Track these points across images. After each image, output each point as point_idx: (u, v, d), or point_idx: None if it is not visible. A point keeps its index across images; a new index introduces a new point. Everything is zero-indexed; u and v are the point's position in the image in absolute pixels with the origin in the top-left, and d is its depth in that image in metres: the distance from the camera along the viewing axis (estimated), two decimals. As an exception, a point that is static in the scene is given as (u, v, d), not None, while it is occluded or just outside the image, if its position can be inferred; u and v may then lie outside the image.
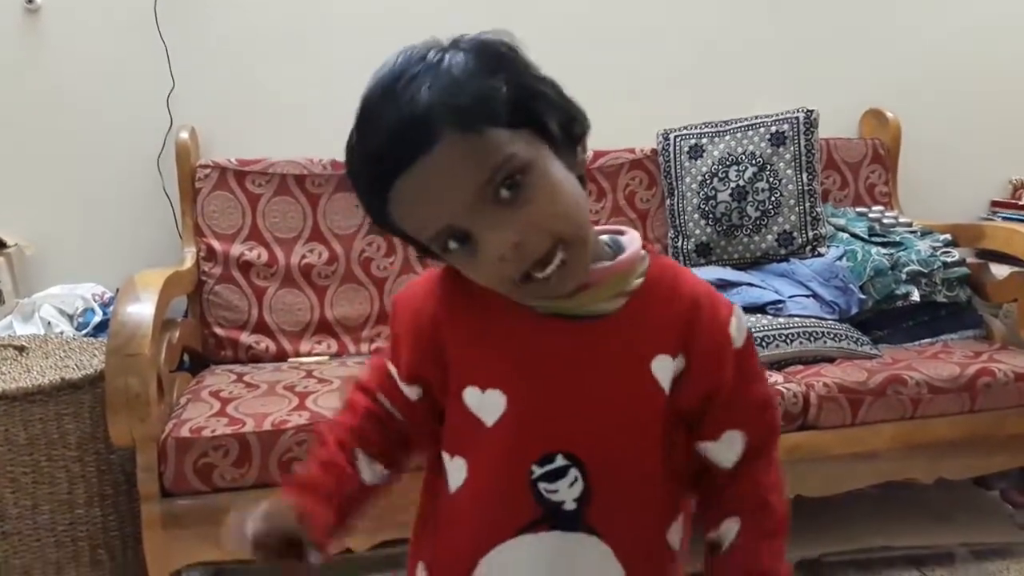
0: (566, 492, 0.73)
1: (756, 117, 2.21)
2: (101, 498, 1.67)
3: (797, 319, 1.90)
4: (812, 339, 1.86)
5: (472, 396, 0.75)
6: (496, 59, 0.67)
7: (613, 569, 0.75)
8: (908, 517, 1.99)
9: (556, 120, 0.69)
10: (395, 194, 0.66)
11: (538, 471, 0.73)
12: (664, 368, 0.74)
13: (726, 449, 0.78)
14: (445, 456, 0.78)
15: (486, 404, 0.74)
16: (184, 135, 2.09)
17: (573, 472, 0.73)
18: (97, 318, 1.99)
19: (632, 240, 0.77)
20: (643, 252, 0.77)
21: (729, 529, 0.79)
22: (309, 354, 2.04)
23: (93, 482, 1.66)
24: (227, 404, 1.64)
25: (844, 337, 1.90)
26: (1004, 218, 2.47)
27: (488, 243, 0.66)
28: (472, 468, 0.76)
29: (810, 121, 2.18)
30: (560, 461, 0.73)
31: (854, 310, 1.98)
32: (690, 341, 0.75)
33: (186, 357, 1.96)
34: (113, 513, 1.69)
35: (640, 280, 0.75)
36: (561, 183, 0.68)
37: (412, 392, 0.79)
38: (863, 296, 2.00)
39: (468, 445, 0.76)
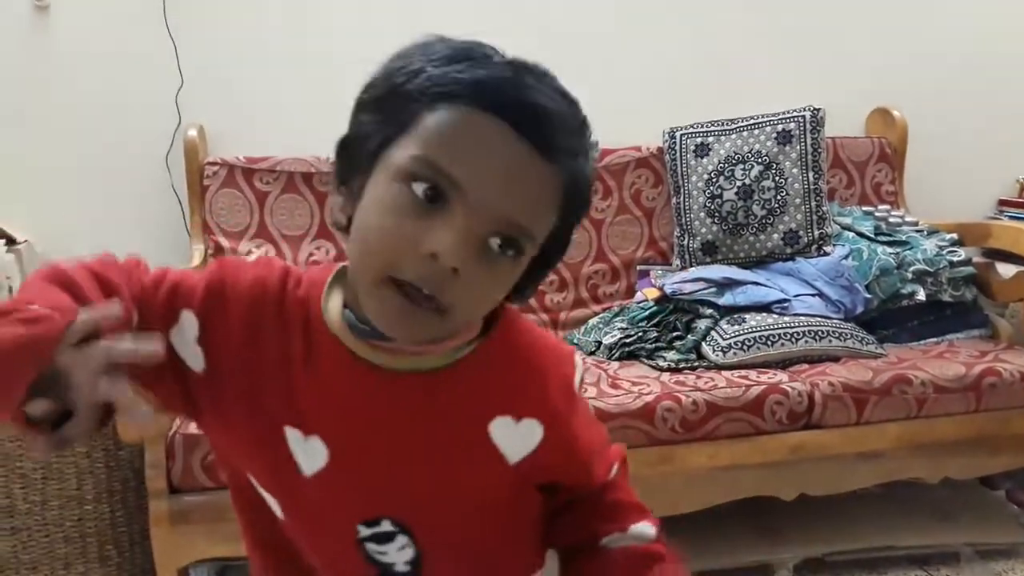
0: (396, 555, 0.69)
1: (762, 116, 2.21)
2: (109, 494, 1.68)
3: (803, 318, 1.90)
4: (817, 338, 1.86)
5: (294, 438, 0.66)
6: (590, 194, 0.65)
7: None
8: (913, 517, 1.98)
9: (538, 274, 0.66)
10: (480, 119, 0.57)
11: (364, 532, 0.68)
12: (505, 432, 0.68)
13: (630, 538, 0.75)
14: (256, 484, 0.70)
15: (307, 450, 0.66)
16: (192, 133, 2.10)
17: (401, 538, 0.68)
18: (105, 315, 2.00)
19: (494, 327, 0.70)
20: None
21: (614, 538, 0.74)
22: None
23: (102, 478, 1.67)
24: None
25: (849, 336, 1.89)
26: (1011, 217, 2.45)
27: (448, 239, 0.57)
28: (290, 514, 0.70)
29: (816, 120, 2.18)
30: (387, 526, 0.68)
31: (859, 309, 1.97)
32: (551, 409, 0.70)
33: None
34: (121, 509, 1.70)
35: (475, 344, 0.68)
36: (504, 290, 0.64)
37: (194, 355, 0.65)
38: (868, 295, 1.99)
39: (283, 488, 0.69)
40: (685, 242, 2.22)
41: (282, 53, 2.21)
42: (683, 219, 2.22)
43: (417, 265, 0.57)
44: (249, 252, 2.05)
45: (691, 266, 2.17)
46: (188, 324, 0.65)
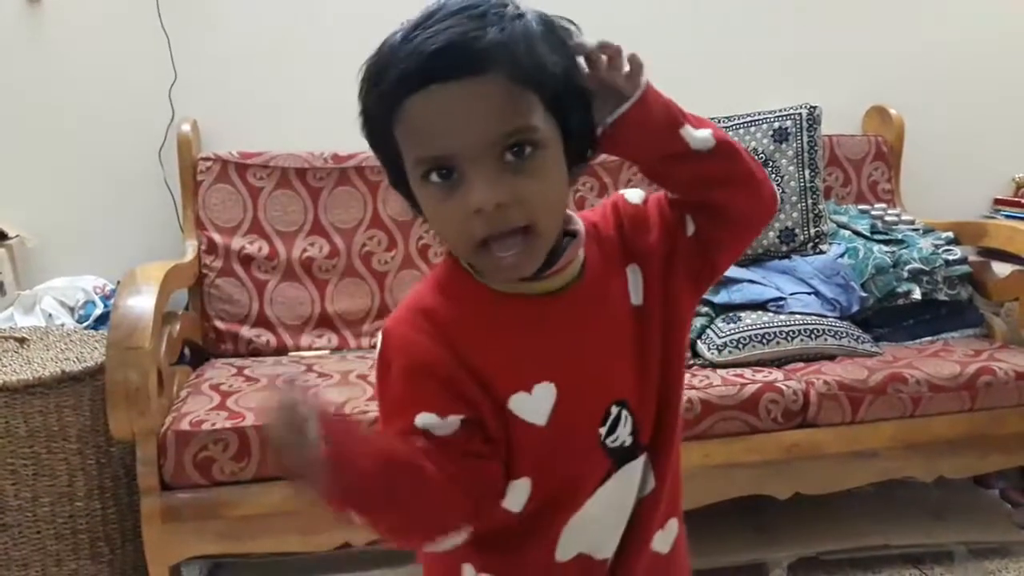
0: (623, 432, 0.77)
1: (759, 113, 2.21)
2: (101, 491, 1.67)
3: (798, 316, 1.90)
4: (813, 337, 1.86)
5: (519, 402, 0.74)
6: (560, 43, 0.70)
7: (649, 471, 0.80)
8: (907, 516, 1.99)
9: (578, 128, 0.71)
10: (418, 100, 0.65)
11: (603, 431, 0.76)
12: (634, 288, 0.79)
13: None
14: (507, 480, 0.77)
15: (534, 404, 0.74)
16: (186, 128, 2.09)
17: (624, 413, 0.77)
18: (98, 311, 1.99)
19: (577, 222, 0.78)
20: (581, 232, 0.77)
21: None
22: (309, 348, 2.04)
23: (93, 475, 1.66)
24: (227, 398, 1.64)
25: (845, 335, 1.90)
26: (1007, 216, 2.46)
27: (475, 191, 0.66)
28: (537, 477, 0.76)
29: (813, 117, 2.17)
30: (614, 411, 0.77)
31: (855, 308, 1.98)
32: (632, 251, 0.79)
33: (187, 350, 1.96)
34: (113, 506, 1.69)
35: (583, 252, 0.77)
36: (558, 177, 0.70)
37: (449, 425, 0.72)
38: (864, 294, 2.00)
39: (528, 459, 0.75)
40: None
41: (276, 48, 2.21)
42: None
43: (479, 224, 0.67)
44: (242, 248, 2.04)
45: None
46: (433, 421, 0.71)
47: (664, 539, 0.84)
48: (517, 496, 0.76)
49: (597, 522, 0.79)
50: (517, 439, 0.74)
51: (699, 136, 0.75)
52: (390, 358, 0.74)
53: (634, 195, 0.82)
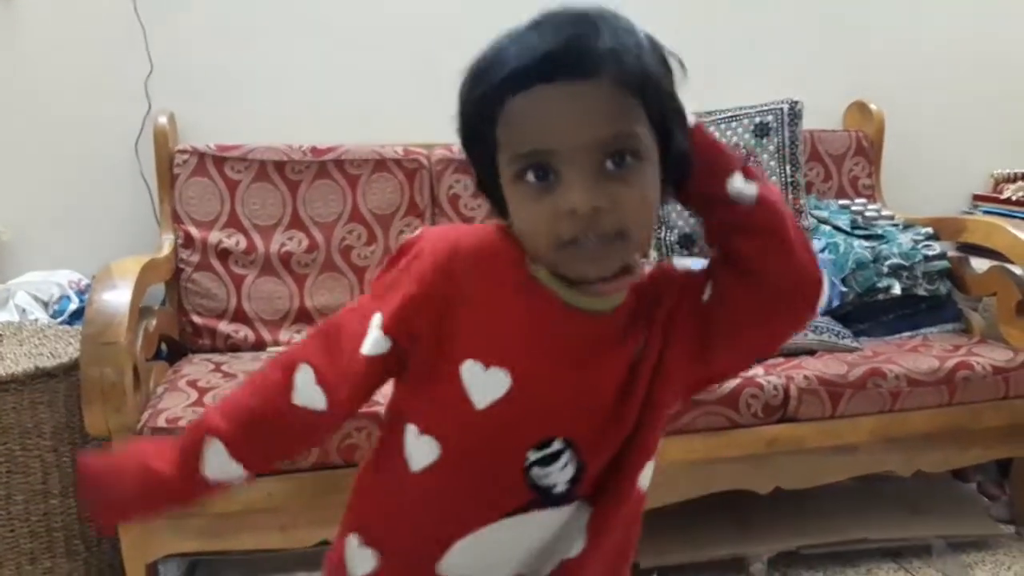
0: (558, 476, 0.74)
1: (740, 108, 2.21)
2: (76, 488, 1.65)
3: (779, 312, 1.90)
4: (793, 332, 1.86)
5: (471, 372, 0.73)
6: (665, 60, 0.72)
7: (584, 522, 0.78)
8: (886, 509, 2.00)
9: (677, 148, 0.71)
10: (524, 98, 0.66)
11: (533, 456, 0.73)
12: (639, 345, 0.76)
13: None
14: (411, 431, 0.76)
15: (484, 383, 0.73)
16: (162, 120, 2.06)
17: (567, 455, 0.74)
18: (73, 306, 1.97)
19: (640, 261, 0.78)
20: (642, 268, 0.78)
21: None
22: (288, 343, 2.02)
23: (68, 472, 1.64)
24: (204, 394, 1.62)
25: (825, 330, 1.90)
26: (985, 212, 2.48)
27: (572, 193, 0.66)
28: (448, 451, 0.74)
29: (794, 113, 2.17)
30: (556, 445, 0.74)
31: (835, 303, 1.99)
32: (651, 310, 0.77)
33: (163, 346, 1.94)
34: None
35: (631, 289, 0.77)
36: (653, 192, 0.71)
37: (378, 345, 0.74)
38: (844, 289, 2.01)
39: (447, 426, 0.74)
40: (662, 234, 2.21)
41: (254, 40, 2.19)
42: (660, 211, 2.22)
43: (569, 226, 0.67)
44: (219, 242, 2.02)
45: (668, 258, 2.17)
46: (375, 330, 0.75)
47: None
48: (420, 452, 0.75)
49: (491, 555, 0.77)
50: (448, 404, 0.74)
51: (740, 187, 0.73)
52: (408, 253, 0.76)
53: (686, 263, 0.80)
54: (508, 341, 0.73)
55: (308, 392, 0.74)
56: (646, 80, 0.68)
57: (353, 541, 0.81)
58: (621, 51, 0.67)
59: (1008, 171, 2.56)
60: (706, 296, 0.76)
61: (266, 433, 0.76)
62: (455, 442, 0.74)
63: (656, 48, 0.71)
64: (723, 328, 0.76)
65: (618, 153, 0.67)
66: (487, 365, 0.72)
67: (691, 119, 0.73)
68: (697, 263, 0.79)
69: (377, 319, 0.74)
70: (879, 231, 2.14)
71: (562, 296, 0.73)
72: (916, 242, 2.10)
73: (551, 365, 0.73)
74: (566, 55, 0.65)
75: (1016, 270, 1.99)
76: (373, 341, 0.74)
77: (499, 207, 0.74)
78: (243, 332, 2.01)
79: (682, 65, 0.73)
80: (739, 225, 0.73)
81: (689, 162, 0.73)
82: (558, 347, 0.74)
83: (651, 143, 0.69)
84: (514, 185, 0.69)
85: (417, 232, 0.78)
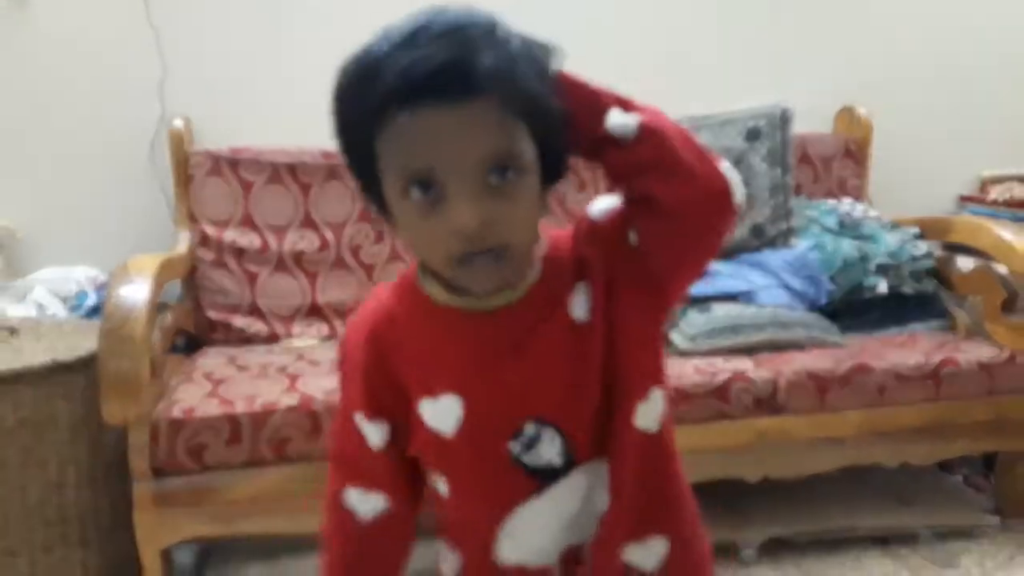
0: (548, 452, 0.77)
1: (731, 113, 2.22)
2: (92, 480, 1.66)
3: (768, 308, 1.94)
4: (783, 328, 1.90)
5: (426, 408, 0.77)
6: (545, 69, 0.70)
7: (604, 486, 0.79)
8: (873, 499, 2.02)
9: (555, 152, 0.72)
10: (406, 117, 0.65)
11: (516, 448, 0.76)
12: (575, 306, 0.76)
13: None
14: (430, 474, 0.83)
15: (440, 412, 0.77)
16: (178, 123, 2.10)
17: (546, 432, 0.76)
18: (91, 301, 2.01)
19: (542, 245, 0.79)
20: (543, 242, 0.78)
21: None
22: (300, 337, 2.08)
23: (84, 464, 1.65)
24: (219, 385, 1.67)
25: (814, 326, 1.94)
26: (972, 212, 2.48)
27: (459, 211, 0.66)
28: (452, 479, 0.80)
29: (785, 118, 2.19)
30: (530, 429, 0.76)
31: (823, 300, 2.01)
32: (579, 265, 0.77)
33: (180, 340, 1.99)
34: (104, 495, 1.68)
35: (540, 266, 0.77)
36: (535, 201, 0.71)
37: (377, 433, 0.80)
38: (832, 287, 2.03)
39: (440, 460, 0.80)
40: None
41: (266, 43, 2.22)
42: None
43: (458, 242, 0.68)
44: (234, 241, 2.07)
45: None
46: (360, 422, 0.81)
47: (644, 555, 0.82)
48: (439, 486, 0.82)
49: (529, 535, 0.80)
50: (428, 442, 0.79)
51: (618, 121, 0.72)
52: (342, 355, 0.83)
53: (601, 205, 0.78)
54: (441, 366, 0.77)
55: (365, 505, 0.81)
56: (527, 99, 0.67)
57: (442, 544, 0.88)
58: (501, 72, 0.65)
59: (998, 173, 2.57)
60: (632, 239, 0.75)
61: (366, 564, 0.83)
62: (450, 471, 0.80)
63: (532, 55, 0.69)
64: (662, 261, 0.75)
65: (500, 169, 0.67)
66: (435, 396, 0.77)
67: (554, 69, 0.71)
68: (609, 201, 0.78)
69: (359, 416, 0.80)
70: (867, 231, 2.16)
71: (466, 305, 0.76)
72: (903, 241, 2.12)
73: (487, 370, 0.76)
74: (447, 78, 0.64)
75: (1000, 269, 2.01)
76: (372, 433, 0.80)
77: (380, 211, 0.75)
78: (257, 326, 2.06)
79: (554, 50, 0.72)
80: (632, 164, 0.72)
81: (566, 162, 0.74)
82: (486, 353, 0.76)
83: (532, 155, 0.69)
84: (401, 201, 0.69)
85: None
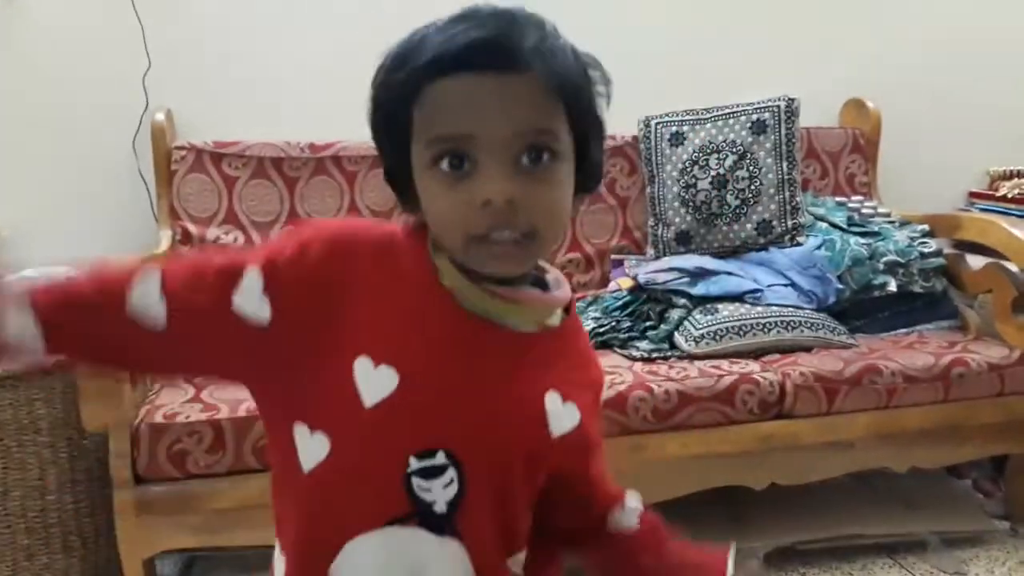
0: (440, 493, 0.71)
1: (737, 105, 2.21)
2: (73, 484, 1.66)
3: (775, 308, 1.91)
4: (789, 328, 1.87)
5: (362, 368, 0.70)
6: (585, 72, 0.71)
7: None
8: (881, 505, 2.01)
9: (592, 156, 0.73)
10: (448, 83, 0.66)
11: (415, 464, 0.70)
12: (554, 406, 0.75)
13: (631, 513, 0.84)
14: (300, 430, 0.72)
15: (373, 381, 0.70)
16: (160, 116, 2.07)
17: (450, 473, 0.71)
18: (70, 301, 1.96)
19: (559, 281, 0.78)
20: (570, 295, 0.79)
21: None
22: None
23: (65, 468, 1.64)
24: (201, 390, 1.63)
25: (821, 326, 1.91)
26: (981, 209, 2.48)
27: (489, 183, 0.66)
28: (337, 447, 0.71)
29: (791, 110, 2.18)
30: (440, 459, 0.70)
31: (831, 299, 1.99)
32: (588, 400, 0.78)
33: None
34: (85, 499, 1.67)
35: (559, 319, 0.77)
36: (567, 193, 0.71)
37: (258, 306, 0.70)
38: (840, 286, 2.01)
39: (337, 422, 0.71)
40: (659, 231, 2.22)
41: (252, 36, 2.19)
42: (657, 208, 2.22)
43: (482, 218, 0.66)
44: (217, 238, 2.02)
45: (665, 255, 2.18)
46: (251, 279, 0.70)
47: None
48: (311, 450, 0.72)
49: (376, 564, 0.72)
50: (337, 400, 0.70)
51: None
52: (300, 227, 0.74)
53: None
54: (401, 339, 0.71)
55: (148, 300, 0.70)
56: (570, 83, 0.68)
57: (276, 546, 0.79)
58: (549, 51, 0.67)
59: (1004, 168, 2.56)
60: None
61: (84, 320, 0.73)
62: (343, 438, 0.71)
63: (579, 58, 0.71)
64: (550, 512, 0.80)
65: (535, 149, 0.67)
66: (376, 363, 0.70)
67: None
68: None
69: (254, 272, 0.70)
70: (875, 228, 2.14)
71: (467, 300, 0.72)
72: (912, 239, 2.10)
73: (441, 370, 0.71)
74: (494, 46, 0.65)
75: (1011, 267, 1.98)
76: (248, 294, 0.70)
77: (406, 199, 0.73)
78: (241, 328, 2.01)
79: (606, 77, 0.73)
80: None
81: (600, 174, 0.75)
82: (454, 354, 0.72)
83: (568, 147, 0.70)
84: (428, 172, 0.69)
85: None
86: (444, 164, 0.67)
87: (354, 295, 0.71)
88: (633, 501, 0.85)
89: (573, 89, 0.69)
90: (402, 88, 0.68)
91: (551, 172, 0.68)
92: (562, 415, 0.75)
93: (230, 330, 0.70)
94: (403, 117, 0.69)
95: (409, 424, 0.70)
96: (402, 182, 0.72)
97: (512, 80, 0.66)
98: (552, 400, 0.75)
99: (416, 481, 0.70)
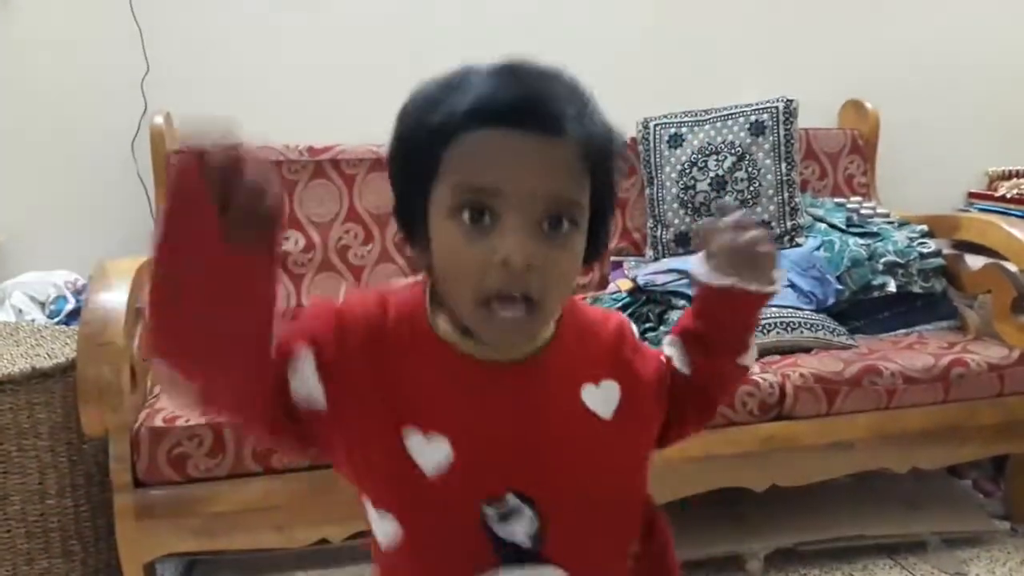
0: (520, 530, 0.72)
1: (736, 106, 2.21)
2: (73, 488, 1.65)
3: (774, 309, 1.90)
4: (789, 329, 1.86)
5: (414, 441, 0.70)
6: (613, 145, 0.72)
7: None
8: (882, 506, 2.00)
9: (602, 230, 0.74)
10: (487, 133, 0.65)
11: (490, 512, 0.71)
12: (592, 396, 0.76)
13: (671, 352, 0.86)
14: (371, 509, 0.74)
15: (428, 451, 0.70)
16: (159, 120, 2.06)
17: (526, 510, 0.72)
18: (69, 306, 1.97)
19: None
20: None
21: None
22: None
23: (65, 472, 1.64)
24: (201, 393, 1.62)
25: (820, 327, 1.90)
26: (980, 209, 2.48)
27: (513, 242, 0.65)
28: (409, 526, 0.72)
29: (790, 111, 2.18)
30: (511, 501, 0.71)
31: (831, 300, 1.99)
32: (620, 364, 0.79)
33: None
34: (85, 503, 1.67)
35: (553, 326, 0.77)
36: (578, 264, 0.71)
37: (313, 388, 0.70)
38: (840, 286, 2.01)
39: (401, 499, 0.72)
40: (658, 233, 2.22)
41: (250, 40, 2.19)
42: (656, 210, 2.22)
43: (498, 277, 0.65)
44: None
45: (664, 257, 2.18)
46: (303, 359, 0.70)
47: None
48: (382, 530, 0.74)
49: None
50: (397, 477, 0.71)
51: (752, 356, 0.85)
52: (328, 303, 0.74)
53: (634, 334, 0.83)
54: (437, 403, 0.72)
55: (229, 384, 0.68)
56: (602, 157, 0.69)
57: None
58: (590, 124, 0.68)
59: (1003, 169, 2.57)
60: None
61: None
62: (411, 513, 0.72)
63: (610, 130, 0.72)
64: (682, 412, 0.85)
65: (557, 217, 0.67)
66: (426, 432, 0.70)
67: (777, 281, 0.80)
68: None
69: (306, 353, 0.70)
70: (874, 229, 2.14)
71: (475, 354, 0.72)
72: (911, 240, 2.10)
73: (485, 423, 0.72)
74: (540, 107, 0.65)
75: (1011, 267, 1.98)
76: (302, 377, 0.70)
77: (414, 241, 0.73)
78: (240, 332, 2.00)
79: (626, 150, 0.75)
80: (721, 377, 0.86)
81: (605, 248, 0.76)
82: (483, 401, 0.72)
83: (586, 218, 0.70)
84: (447, 220, 0.67)
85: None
86: (464, 215, 0.66)
87: (391, 367, 0.72)
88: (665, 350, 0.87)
89: (602, 161, 0.70)
90: (436, 130, 0.67)
91: (570, 241, 0.68)
92: (604, 396, 0.76)
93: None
94: (430, 159, 0.68)
95: (473, 480, 0.71)
96: (413, 222, 0.71)
97: (550, 144, 0.66)
98: (588, 392, 0.76)
99: (495, 527, 0.71)
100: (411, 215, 0.71)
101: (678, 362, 0.84)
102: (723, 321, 0.82)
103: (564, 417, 0.74)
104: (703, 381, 0.84)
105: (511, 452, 0.72)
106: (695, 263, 0.81)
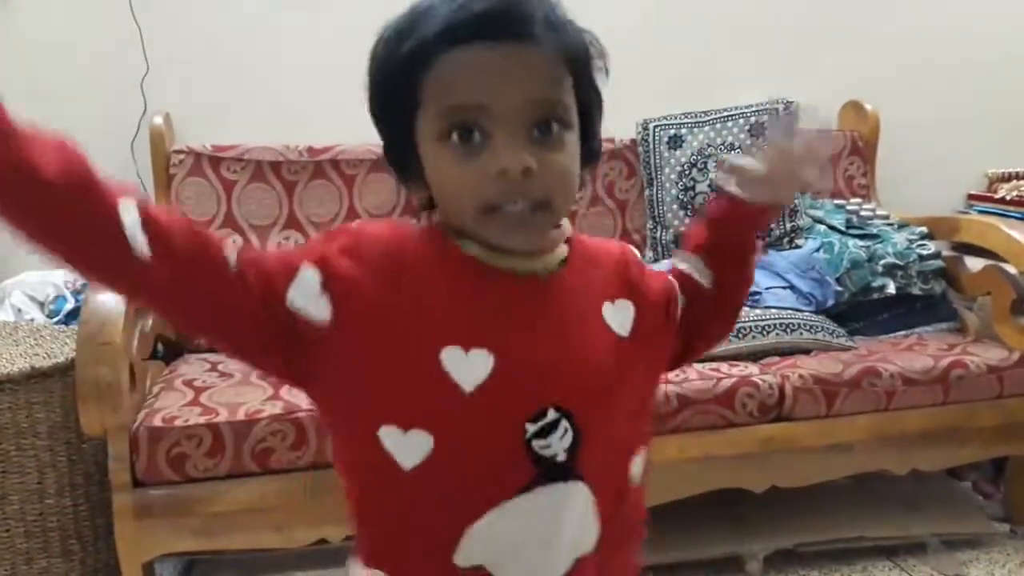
0: (558, 445, 0.72)
1: (736, 108, 2.21)
2: (72, 488, 1.65)
3: (773, 311, 1.91)
4: (788, 331, 1.87)
5: (453, 358, 0.69)
6: (587, 45, 0.73)
7: (592, 511, 0.74)
8: (881, 508, 2.00)
9: (595, 129, 0.74)
10: (459, 54, 0.66)
11: (532, 429, 0.71)
12: (612, 314, 0.77)
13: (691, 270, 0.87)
14: (388, 431, 0.70)
15: (467, 367, 0.69)
16: (158, 120, 2.07)
17: (563, 423, 0.72)
18: (69, 305, 1.97)
19: (565, 222, 0.80)
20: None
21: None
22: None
23: (64, 472, 1.64)
24: (200, 393, 1.63)
25: (820, 329, 1.91)
26: (980, 211, 2.47)
27: (506, 153, 0.66)
28: (443, 441, 0.70)
29: (790, 112, 2.18)
30: (552, 415, 0.71)
31: (830, 302, 1.99)
32: (630, 285, 0.80)
33: (160, 346, 1.94)
34: (84, 503, 1.67)
35: (566, 248, 0.77)
36: (576, 161, 0.72)
37: (315, 304, 0.68)
38: (839, 288, 2.01)
39: (437, 415, 0.70)
40: (658, 234, 2.22)
41: (249, 40, 2.19)
42: (656, 211, 2.22)
43: (498, 188, 0.66)
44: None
45: (664, 258, 2.18)
46: (308, 276, 0.69)
47: None
48: (409, 449, 0.70)
49: (506, 538, 0.72)
50: (431, 394, 0.69)
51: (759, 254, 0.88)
52: (337, 234, 0.72)
53: (640, 254, 0.88)
54: (475, 319, 0.71)
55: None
56: (577, 56, 0.70)
57: (359, 570, 0.77)
58: (560, 24, 0.69)
59: (1003, 171, 2.56)
60: (682, 303, 0.84)
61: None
62: (448, 429, 0.70)
63: (581, 32, 0.73)
64: (696, 330, 0.86)
65: (545, 121, 0.68)
66: (466, 349, 0.69)
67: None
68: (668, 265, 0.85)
69: (310, 269, 0.68)
70: (874, 230, 2.14)
71: (497, 263, 0.72)
72: (911, 241, 2.10)
73: (523, 335, 0.72)
74: (507, 16, 0.66)
75: (1010, 269, 1.98)
76: (303, 290, 0.68)
77: (407, 176, 0.73)
78: (239, 332, 2.00)
79: (604, 51, 0.75)
80: (739, 285, 0.88)
81: (600, 146, 0.77)
82: (520, 314, 0.73)
83: (575, 117, 0.71)
84: (437, 146, 0.68)
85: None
86: (453, 136, 0.67)
87: (414, 290, 0.70)
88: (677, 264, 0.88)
89: (580, 61, 0.70)
90: (410, 58, 0.67)
91: (562, 141, 0.69)
92: (621, 315, 0.78)
93: (279, 322, 0.68)
94: (409, 89, 0.68)
95: (515, 396, 0.71)
96: (403, 158, 0.72)
97: (525, 51, 0.66)
98: (607, 310, 0.77)
99: (536, 443, 0.71)
100: (402, 153, 0.72)
101: (699, 275, 0.85)
102: (744, 232, 0.84)
103: (592, 332, 0.76)
104: (726, 290, 0.86)
105: (548, 366, 0.72)
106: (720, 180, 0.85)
